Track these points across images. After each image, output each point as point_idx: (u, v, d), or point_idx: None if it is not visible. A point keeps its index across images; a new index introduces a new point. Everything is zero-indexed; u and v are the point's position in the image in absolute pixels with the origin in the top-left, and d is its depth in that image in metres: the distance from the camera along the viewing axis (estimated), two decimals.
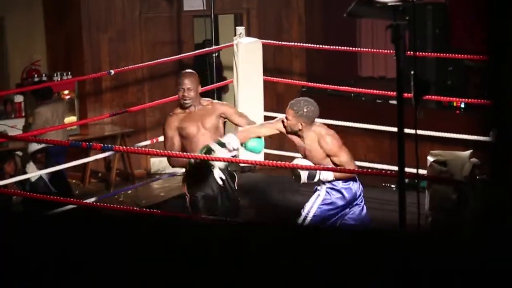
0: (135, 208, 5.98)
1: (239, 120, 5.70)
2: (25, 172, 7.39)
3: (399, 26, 4.07)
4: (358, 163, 7.28)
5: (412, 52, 4.25)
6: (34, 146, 7.48)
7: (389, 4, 4.05)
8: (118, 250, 2.08)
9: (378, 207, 6.81)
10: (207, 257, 2.03)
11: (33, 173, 7.33)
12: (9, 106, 9.09)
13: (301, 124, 5.45)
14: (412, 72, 4.10)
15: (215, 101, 5.94)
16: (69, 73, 9.24)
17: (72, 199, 7.25)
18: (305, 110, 5.46)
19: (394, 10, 4.06)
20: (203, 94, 6.07)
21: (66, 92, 9.24)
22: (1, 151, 7.97)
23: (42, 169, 7.41)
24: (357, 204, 5.51)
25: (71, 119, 9.15)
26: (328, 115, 7.96)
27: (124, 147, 8.19)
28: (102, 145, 5.61)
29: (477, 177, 4.94)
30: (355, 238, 2.00)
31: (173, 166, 5.80)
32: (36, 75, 9.24)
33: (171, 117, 5.67)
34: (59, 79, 9.09)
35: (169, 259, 2.05)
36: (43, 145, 7.42)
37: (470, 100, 7.66)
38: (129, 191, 8.10)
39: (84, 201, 6.59)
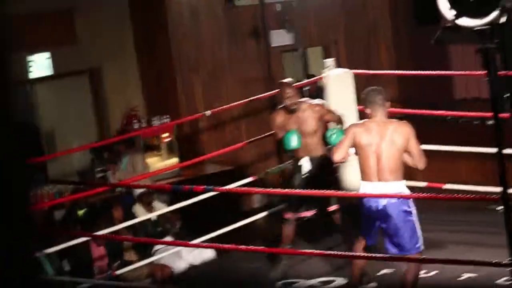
0: (242, 246, 6.07)
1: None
2: (133, 216, 7.59)
3: (488, 49, 4.09)
4: (461, 186, 7.21)
5: (504, 73, 4.26)
6: (139, 189, 7.73)
7: (476, 29, 4.07)
8: None
9: (485, 231, 6.72)
10: None
11: (141, 215, 7.54)
12: (112, 153, 9.36)
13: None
14: (508, 95, 4.12)
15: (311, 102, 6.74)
16: (167, 116, 9.46)
17: (181, 241, 7.40)
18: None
19: (481, 34, 4.07)
20: None
21: (165, 135, 9.47)
22: (108, 198, 8.22)
23: (149, 210, 7.63)
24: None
25: (172, 161, 9.36)
26: (426, 139, 7.94)
27: (222, 186, 8.34)
28: (203, 187, 5.71)
29: None
30: None
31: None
32: (136, 121, 9.50)
33: (276, 114, 6.77)
34: (157, 123, 9.33)
35: None
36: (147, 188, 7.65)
37: None
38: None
39: (192, 242, 6.72)
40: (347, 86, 7.76)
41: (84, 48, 9.46)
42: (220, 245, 5.85)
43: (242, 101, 8.71)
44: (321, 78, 7.91)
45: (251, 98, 8.39)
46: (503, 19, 4.10)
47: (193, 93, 9.86)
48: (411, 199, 5.45)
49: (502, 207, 4.23)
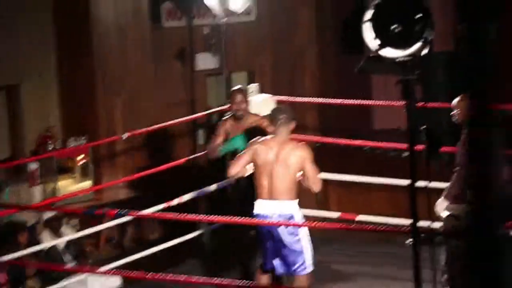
0: (149, 274, 5.89)
1: None
2: (39, 241, 7.33)
3: (409, 81, 4.05)
4: (374, 217, 7.21)
5: (423, 104, 4.22)
6: (47, 214, 7.44)
7: (398, 60, 4.03)
8: None
9: (395, 263, 6.71)
10: None
11: (47, 241, 7.27)
12: (24, 173, 9.07)
13: None
14: (424, 128, 4.06)
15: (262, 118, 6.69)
16: (84, 137, 9.23)
17: (86, 268, 7.19)
18: None
19: (403, 66, 4.03)
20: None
21: (80, 157, 9.22)
22: (14, 222, 7.91)
23: (56, 236, 7.36)
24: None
25: (86, 184, 9.12)
26: (342, 169, 7.90)
27: (136, 212, 8.14)
28: (116, 211, 5.54)
29: None
30: None
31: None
32: (50, 141, 9.24)
33: (225, 120, 6.74)
34: (73, 145, 9.09)
35: None
36: (56, 212, 7.38)
37: None
38: (144, 257, 7.99)
39: (99, 268, 6.51)
40: (268, 111, 7.67)
41: (2, 64, 9.17)
42: (127, 273, 5.65)
43: (160, 125, 8.56)
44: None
45: (171, 122, 8.24)
46: (424, 52, 4.09)
47: (113, 115, 9.66)
48: (301, 220, 5.58)
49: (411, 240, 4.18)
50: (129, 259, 7.04)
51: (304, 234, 5.56)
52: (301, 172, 5.63)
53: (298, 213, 5.58)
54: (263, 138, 5.78)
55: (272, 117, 5.78)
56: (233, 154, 6.31)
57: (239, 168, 5.68)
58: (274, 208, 5.52)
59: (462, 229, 4.81)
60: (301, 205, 8.48)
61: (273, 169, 5.56)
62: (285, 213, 5.52)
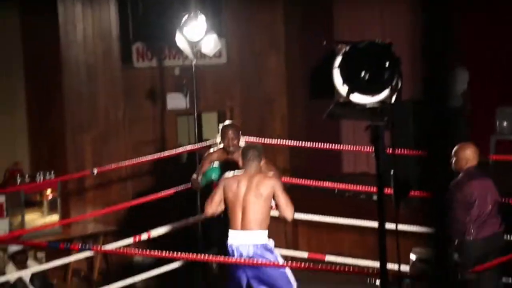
0: None
1: None
2: (3, 273, 7.28)
3: (378, 127, 4.12)
4: (343, 258, 7.28)
5: (392, 151, 4.29)
6: (12, 247, 7.39)
7: (367, 106, 4.10)
8: None
9: None
10: None
11: (12, 274, 7.22)
12: None
13: None
14: (392, 173, 4.13)
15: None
16: (52, 172, 9.22)
17: None
18: None
19: (372, 112, 4.11)
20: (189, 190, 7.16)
21: (48, 191, 9.20)
22: None
23: (22, 269, 7.31)
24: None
25: (53, 218, 9.09)
26: (312, 210, 7.97)
27: (105, 246, 8.12)
28: (79, 246, 5.55)
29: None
30: None
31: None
32: (18, 175, 9.22)
33: (213, 152, 6.83)
34: (41, 179, 9.06)
35: None
36: (22, 246, 7.34)
37: None
38: None
39: None
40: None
41: None
42: None
43: (130, 162, 8.59)
44: (215, 144, 7.88)
45: (140, 159, 8.27)
46: (393, 99, 4.15)
47: (82, 151, 9.67)
48: (273, 247, 5.73)
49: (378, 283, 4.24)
50: None
51: (279, 256, 5.78)
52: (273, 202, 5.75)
53: (270, 241, 5.74)
54: (232, 172, 5.93)
55: (243, 153, 5.95)
56: (210, 185, 6.52)
57: (215, 207, 5.82)
58: (247, 239, 5.66)
59: (430, 273, 4.88)
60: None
61: (244, 201, 5.73)
62: (258, 243, 5.66)
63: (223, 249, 6.41)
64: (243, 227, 5.70)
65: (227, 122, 7.63)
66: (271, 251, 5.71)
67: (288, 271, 5.75)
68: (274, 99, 10.77)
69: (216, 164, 6.72)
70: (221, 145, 6.87)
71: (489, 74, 9.65)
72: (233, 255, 5.68)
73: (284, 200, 5.73)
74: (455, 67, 8.65)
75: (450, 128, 2.43)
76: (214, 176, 6.57)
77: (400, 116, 8.78)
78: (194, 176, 6.80)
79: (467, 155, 6.11)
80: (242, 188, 5.76)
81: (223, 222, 6.47)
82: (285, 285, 5.70)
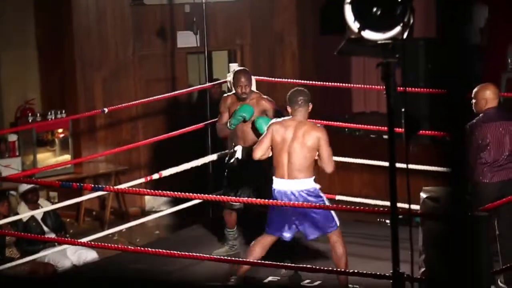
0: (129, 247, 5.95)
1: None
2: (17, 213, 7.35)
3: (389, 64, 4.10)
4: (353, 198, 7.31)
5: (403, 88, 4.26)
6: (24, 186, 7.45)
7: (379, 42, 4.07)
8: None
9: (373, 244, 6.79)
10: None
11: (24, 213, 7.29)
12: (3, 145, 9.09)
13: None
14: (403, 110, 4.12)
15: (262, 95, 6.77)
16: (63, 111, 9.24)
17: (65, 239, 7.23)
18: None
19: (384, 48, 4.08)
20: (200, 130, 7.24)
21: (60, 130, 9.23)
22: None
23: (34, 208, 7.38)
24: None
25: (65, 157, 9.14)
26: None
27: (116, 186, 8.17)
28: (92, 185, 5.58)
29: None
30: None
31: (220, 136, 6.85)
32: (30, 114, 9.25)
33: (227, 96, 6.76)
34: (53, 118, 9.09)
35: None
36: (33, 185, 7.39)
37: None
38: (124, 230, 8.05)
39: (78, 240, 6.55)
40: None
41: None
42: (106, 245, 5.69)
43: (141, 101, 8.60)
44: (225, 82, 7.86)
45: (151, 98, 8.27)
46: (405, 35, 4.12)
47: (93, 90, 9.67)
48: (319, 190, 5.80)
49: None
50: (109, 231, 7.07)
51: (325, 199, 5.87)
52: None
53: (316, 186, 5.81)
54: (281, 119, 5.95)
55: (290, 99, 5.91)
56: (244, 122, 6.54)
57: (263, 151, 5.85)
58: (292, 185, 5.73)
59: (440, 211, 4.89)
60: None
61: (290, 148, 5.75)
62: (303, 188, 5.75)
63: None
64: (289, 175, 5.76)
65: (238, 67, 7.59)
66: (317, 195, 5.78)
67: (333, 213, 5.84)
68: (285, 37, 10.70)
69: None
70: (233, 91, 6.80)
71: (502, 10, 9.51)
72: (282, 200, 5.74)
73: (327, 154, 5.76)
74: (473, 2, 8.54)
75: (466, 66, 2.39)
76: (245, 112, 6.51)
77: (412, 53, 8.72)
78: (220, 125, 6.73)
79: (487, 96, 6.00)
80: (289, 135, 5.77)
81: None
82: (328, 224, 5.80)
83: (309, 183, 5.77)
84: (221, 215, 6.95)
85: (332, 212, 5.84)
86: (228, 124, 6.58)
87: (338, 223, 5.85)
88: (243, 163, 6.68)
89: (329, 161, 5.77)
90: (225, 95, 6.89)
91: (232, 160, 6.75)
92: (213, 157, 7.60)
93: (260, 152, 5.85)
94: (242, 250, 6.72)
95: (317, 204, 5.69)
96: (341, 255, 5.82)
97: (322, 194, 5.85)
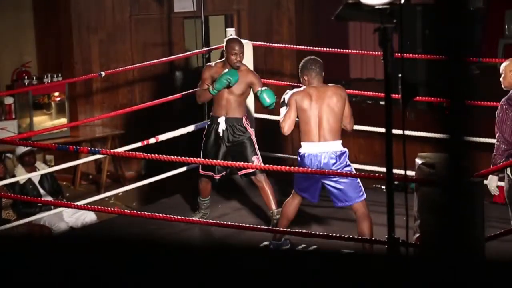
0: (125, 210, 5.98)
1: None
2: (14, 175, 7.37)
3: (386, 29, 4.09)
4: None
5: (400, 54, 4.26)
6: (21, 149, 7.45)
7: (376, 7, 4.07)
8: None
9: (369, 209, 6.81)
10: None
11: (21, 175, 7.30)
12: None
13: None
14: (400, 76, 4.12)
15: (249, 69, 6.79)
16: (60, 74, 9.22)
17: (61, 202, 7.26)
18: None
19: (382, 13, 4.07)
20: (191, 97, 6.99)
21: (56, 94, 9.22)
22: None
23: (31, 171, 7.39)
24: None
25: (61, 121, 9.14)
26: None
27: (113, 149, 8.18)
28: (89, 148, 5.59)
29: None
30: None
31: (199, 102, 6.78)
32: (26, 77, 9.22)
33: (211, 65, 6.69)
34: (49, 81, 9.07)
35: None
36: (30, 148, 7.39)
37: None
38: (120, 193, 8.08)
39: (75, 203, 6.57)
40: (246, 56, 7.70)
41: None
42: (102, 208, 5.72)
43: (137, 65, 8.58)
44: (221, 47, 7.83)
45: (148, 62, 8.25)
46: (402, 0, 4.11)
47: (90, 53, 9.63)
48: (346, 155, 5.95)
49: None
50: (105, 195, 7.10)
51: (351, 166, 5.99)
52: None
53: (345, 150, 5.95)
54: (298, 89, 6.02)
55: (306, 67, 6.05)
56: (228, 87, 6.50)
57: (291, 125, 5.94)
58: (324, 148, 5.85)
59: (437, 177, 4.91)
60: (279, 151, 8.63)
61: (320, 113, 5.86)
62: (335, 150, 5.87)
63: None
64: (320, 139, 5.86)
65: (232, 35, 7.56)
66: (345, 160, 5.90)
67: (360, 182, 5.94)
68: (281, 3, 10.64)
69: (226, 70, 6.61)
70: (221, 60, 6.76)
71: None
72: (311, 164, 5.84)
73: (350, 111, 5.97)
74: None
75: (466, 32, 2.38)
76: (230, 76, 6.47)
77: (409, 19, 8.69)
78: (201, 89, 6.65)
79: None
80: (316, 101, 5.88)
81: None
82: (356, 194, 5.90)
83: (339, 146, 5.92)
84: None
85: (359, 181, 5.94)
86: (211, 89, 6.52)
87: (365, 194, 5.96)
88: (227, 137, 6.67)
89: (352, 119, 6.00)
90: (209, 63, 6.82)
91: (213, 132, 6.71)
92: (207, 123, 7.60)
93: (288, 126, 5.94)
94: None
95: (345, 171, 5.80)
96: (368, 228, 5.90)
97: (349, 163, 5.96)
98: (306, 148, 5.90)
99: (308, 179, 5.94)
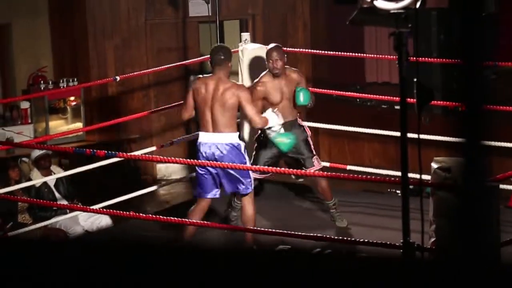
0: (141, 214, 5.98)
1: None
2: (30, 179, 7.40)
3: (401, 33, 4.09)
4: (364, 168, 7.33)
5: (415, 58, 4.25)
6: (36, 152, 7.48)
7: (392, 12, 4.07)
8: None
9: (384, 214, 6.81)
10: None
11: (37, 179, 7.33)
12: (15, 112, 9.13)
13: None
14: (415, 80, 4.11)
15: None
16: (75, 79, 9.26)
17: (77, 206, 7.27)
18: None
19: (397, 18, 4.07)
20: None
21: (72, 98, 9.26)
22: (6, 158, 7.99)
23: (47, 175, 7.42)
24: None
25: (77, 125, 9.17)
26: (334, 120, 8.00)
27: (129, 153, 8.20)
28: (106, 152, 5.61)
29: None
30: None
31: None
32: (42, 82, 9.27)
33: (259, 86, 6.51)
34: (65, 86, 9.11)
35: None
36: (45, 151, 7.42)
37: None
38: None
39: (90, 207, 6.59)
40: (261, 61, 7.71)
41: None
42: (118, 212, 5.73)
43: (152, 69, 8.60)
44: (236, 52, 7.84)
45: (163, 67, 8.27)
46: (417, 4, 4.10)
47: (105, 58, 9.67)
48: (242, 149, 5.97)
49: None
50: (121, 199, 7.11)
51: (247, 160, 6.03)
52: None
53: (241, 143, 5.99)
54: (202, 76, 6.08)
55: (211, 55, 6.03)
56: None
57: (190, 111, 6.01)
58: (217, 139, 5.91)
59: (453, 181, 4.90)
60: None
61: (212, 106, 5.91)
62: (227, 142, 5.91)
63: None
64: (213, 129, 5.91)
65: (247, 40, 7.58)
66: (239, 152, 5.93)
67: (251, 175, 6.04)
68: (297, 6, 10.64)
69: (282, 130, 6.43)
70: (264, 73, 6.65)
71: None
72: (203, 153, 5.92)
73: (250, 111, 5.91)
74: None
75: (481, 36, 2.37)
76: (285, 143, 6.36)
77: (424, 23, 8.67)
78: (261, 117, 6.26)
79: None
80: (209, 93, 5.91)
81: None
82: (246, 184, 5.98)
83: (234, 137, 5.94)
84: None
85: (251, 174, 6.03)
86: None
87: (253, 186, 6.06)
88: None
89: (255, 117, 5.93)
90: (257, 81, 6.62)
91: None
92: None
93: (187, 113, 6.02)
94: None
95: (238, 161, 5.85)
96: (251, 216, 6.04)
97: (246, 155, 5.99)
98: (200, 138, 5.99)
99: (207, 174, 6.00)
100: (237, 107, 5.91)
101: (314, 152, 6.66)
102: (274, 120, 6.12)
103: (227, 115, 5.89)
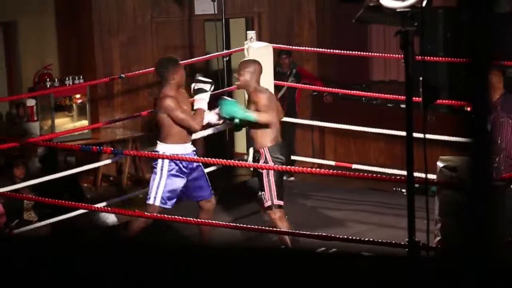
0: (145, 212, 5.98)
1: None
2: (36, 176, 7.40)
3: (408, 32, 4.08)
4: (369, 167, 7.32)
5: (421, 57, 4.24)
6: (41, 150, 7.50)
7: (398, 10, 4.06)
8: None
9: (389, 212, 6.80)
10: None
11: (43, 177, 7.33)
12: (21, 109, 9.15)
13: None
14: (421, 79, 4.10)
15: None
16: (81, 77, 9.26)
17: (83, 204, 7.28)
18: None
19: (403, 16, 4.06)
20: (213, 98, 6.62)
21: (78, 96, 9.27)
22: (12, 156, 8.00)
23: (52, 173, 7.42)
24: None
25: (82, 123, 9.18)
26: (340, 118, 7.99)
27: (135, 151, 8.21)
28: (112, 149, 5.62)
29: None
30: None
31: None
32: (48, 79, 9.28)
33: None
34: (70, 83, 9.12)
35: None
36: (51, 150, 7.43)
37: None
38: (140, 195, 8.10)
39: (95, 205, 6.60)
40: (267, 59, 7.71)
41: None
42: (123, 210, 5.74)
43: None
44: (242, 50, 7.83)
45: None
46: (424, 3, 4.09)
47: (111, 56, 9.68)
48: (162, 160, 6.01)
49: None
50: (126, 197, 7.12)
51: (160, 171, 6.01)
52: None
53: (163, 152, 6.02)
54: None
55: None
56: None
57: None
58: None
59: (458, 180, 4.89)
60: (299, 153, 8.60)
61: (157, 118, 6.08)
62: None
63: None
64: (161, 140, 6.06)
65: (253, 38, 7.58)
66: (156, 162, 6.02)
67: (161, 183, 5.98)
68: (303, 4, 10.64)
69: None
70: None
71: None
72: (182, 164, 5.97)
73: (180, 119, 5.92)
74: None
75: (492, 36, 2.36)
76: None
77: (430, 22, 8.66)
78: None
79: None
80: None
81: None
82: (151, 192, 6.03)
83: (160, 147, 5.98)
84: (235, 183, 6.95)
85: (160, 188, 6.01)
86: None
87: (156, 200, 6.02)
88: None
89: (188, 123, 5.94)
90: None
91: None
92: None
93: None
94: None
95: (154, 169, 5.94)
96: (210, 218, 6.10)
97: (160, 165, 5.96)
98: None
99: (176, 183, 6.01)
100: (166, 117, 5.95)
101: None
102: (209, 116, 6.19)
103: (161, 125, 5.99)
